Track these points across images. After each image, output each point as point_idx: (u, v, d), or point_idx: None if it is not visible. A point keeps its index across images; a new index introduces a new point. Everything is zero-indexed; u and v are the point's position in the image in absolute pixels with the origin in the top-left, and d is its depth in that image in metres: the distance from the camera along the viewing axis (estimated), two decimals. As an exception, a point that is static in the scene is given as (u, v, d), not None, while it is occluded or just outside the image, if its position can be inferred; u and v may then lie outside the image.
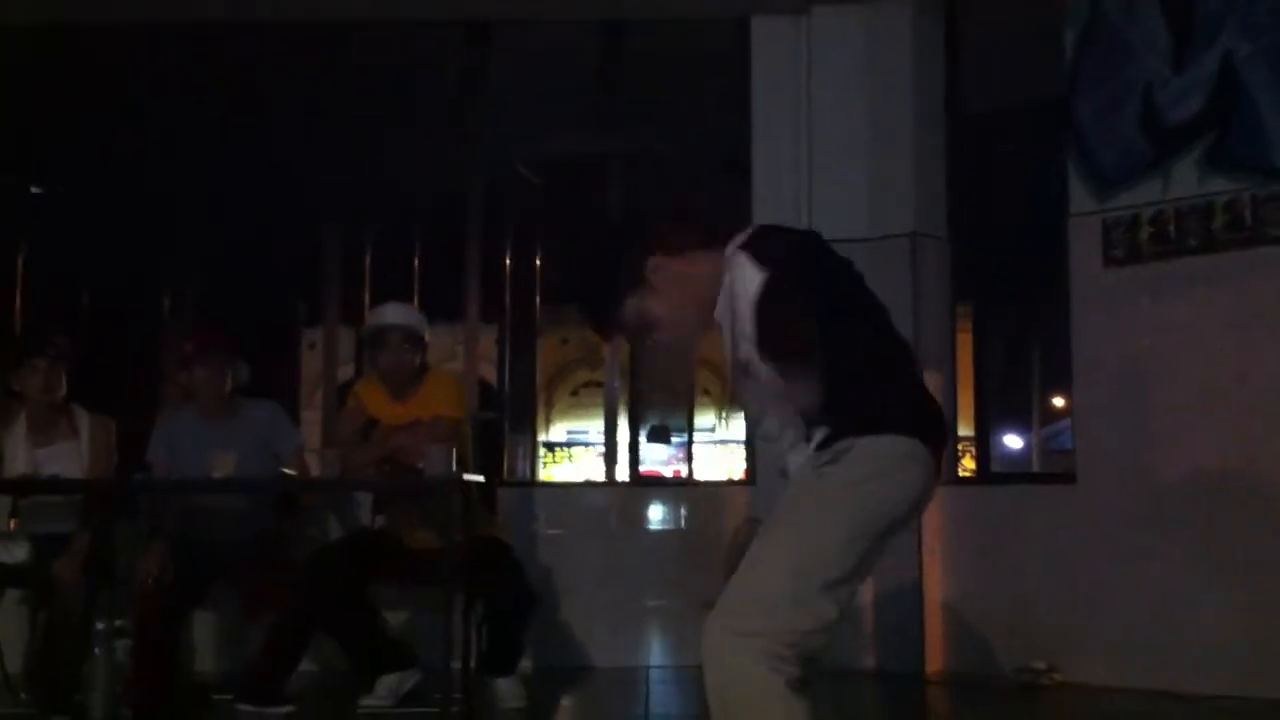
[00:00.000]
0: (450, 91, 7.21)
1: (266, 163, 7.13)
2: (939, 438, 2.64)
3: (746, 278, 2.55)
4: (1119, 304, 5.56)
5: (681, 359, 2.90)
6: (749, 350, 2.58)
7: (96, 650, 4.71)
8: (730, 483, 7.60)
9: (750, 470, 6.62)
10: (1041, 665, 5.52)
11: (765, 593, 2.45)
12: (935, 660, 5.97)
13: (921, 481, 2.60)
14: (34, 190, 7.11)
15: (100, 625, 4.74)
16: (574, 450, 21.55)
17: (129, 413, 5.71)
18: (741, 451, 7.62)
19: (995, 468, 6.76)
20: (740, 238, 2.64)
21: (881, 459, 2.53)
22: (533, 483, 7.54)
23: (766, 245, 2.60)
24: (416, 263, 7.41)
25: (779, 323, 2.50)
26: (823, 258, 2.66)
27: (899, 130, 6.21)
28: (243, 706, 4.94)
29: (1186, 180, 5.40)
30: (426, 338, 5.36)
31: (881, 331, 2.67)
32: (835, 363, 2.51)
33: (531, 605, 5.19)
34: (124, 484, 5.27)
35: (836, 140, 6.24)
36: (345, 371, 7.30)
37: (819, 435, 2.57)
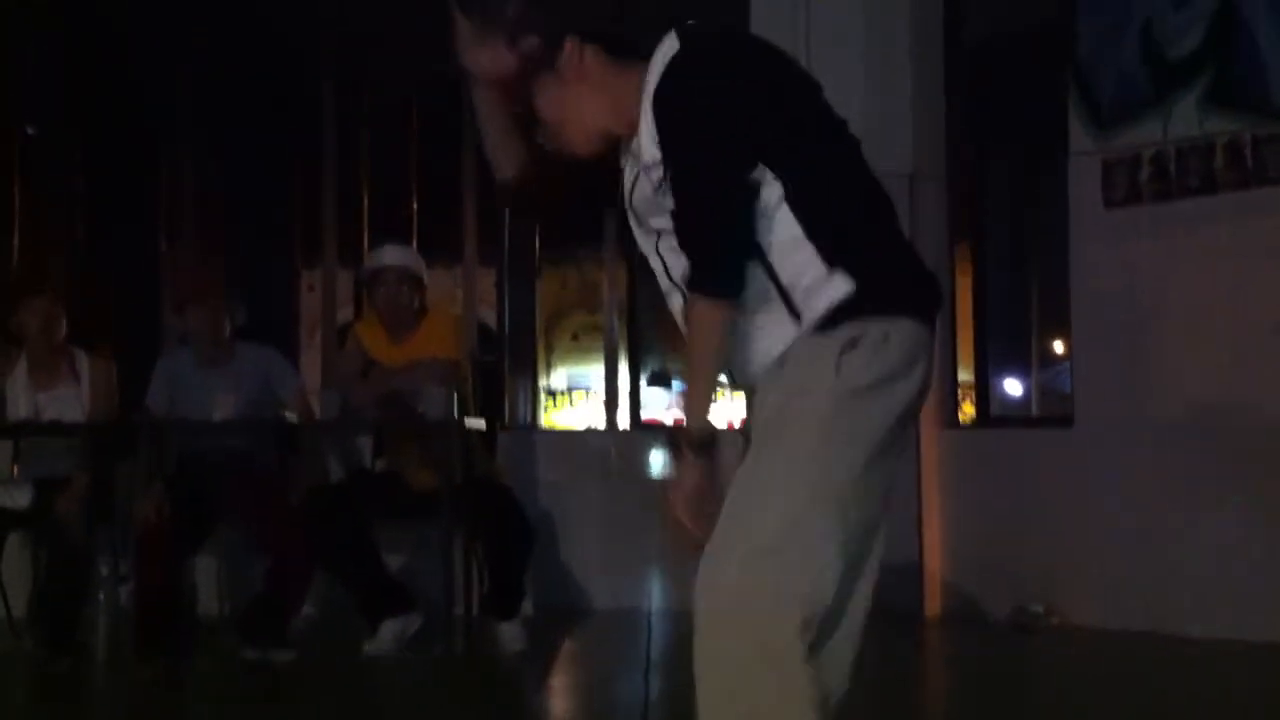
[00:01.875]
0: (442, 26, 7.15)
1: (261, 93, 7.09)
2: (937, 309, 2.22)
3: (659, 55, 2.13)
4: (1118, 245, 5.54)
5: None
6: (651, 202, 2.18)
7: (99, 593, 4.74)
8: (730, 429, 7.59)
9: (747, 420, 6.60)
10: (1039, 607, 5.55)
11: (780, 537, 2.03)
12: (933, 601, 6.00)
13: (927, 376, 2.16)
14: (29, 131, 7.07)
15: (103, 569, 4.77)
16: (574, 395, 21.57)
17: (129, 353, 5.71)
18: (742, 397, 7.61)
19: (994, 411, 6.76)
20: (659, 61, 2.12)
21: (901, 350, 2.09)
22: (534, 428, 7.55)
23: (701, 29, 2.16)
24: (414, 204, 7.39)
25: (695, 203, 2.09)
26: (778, 87, 2.18)
27: (896, 68, 6.15)
28: (246, 649, 4.97)
29: (1187, 119, 5.35)
30: (425, 279, 5.35)
31: (868, 177, 2.22)
32: (820, 212, 2.10)
33: (531, 545, 5.20)
34: (124, 426, 5.27)
35: (833, 77, 6.11)
36: (345, 313, 7.30)
37: (823, 305, 2.08)
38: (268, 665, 4.87)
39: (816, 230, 2.10)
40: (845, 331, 2.08)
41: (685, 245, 2.13)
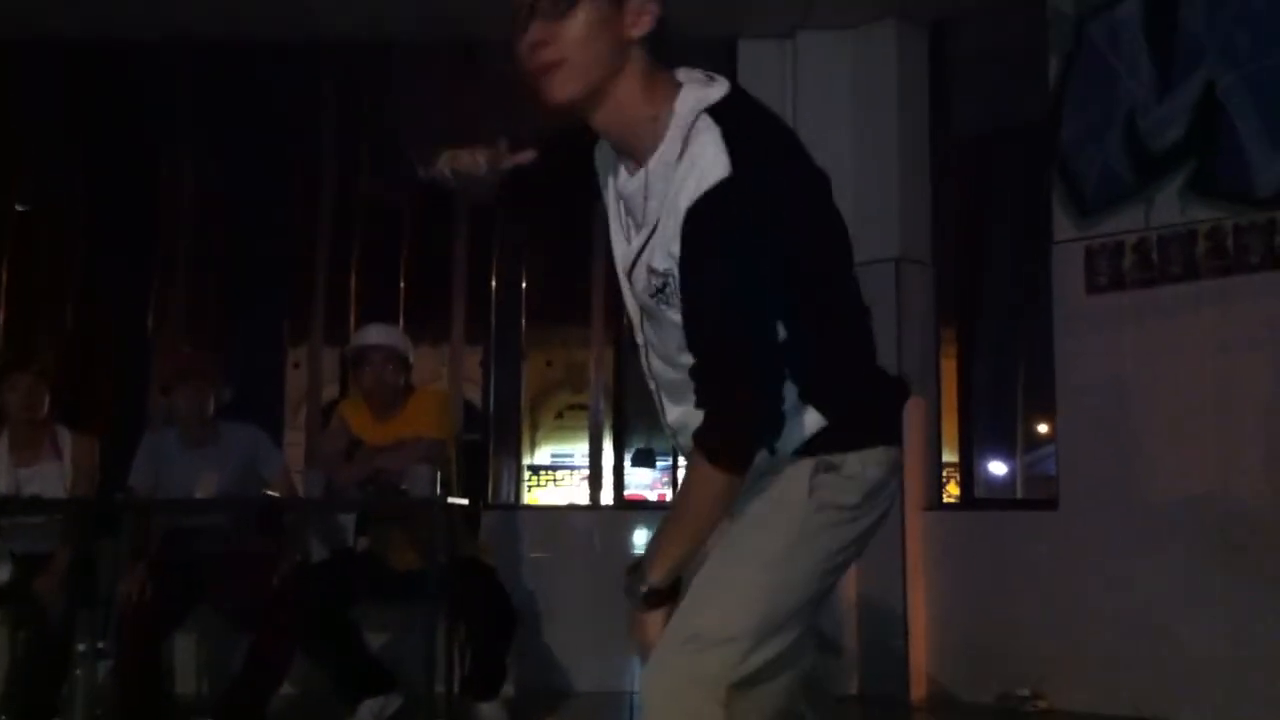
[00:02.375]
0: (438, 113, 7.22)
1: (250, 180, 7.14)
2: (902, 409, 2.26)
3: (704, 157, 1.91)
4: (1102, 330, 5.59)
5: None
6: (650, 278, 2.03)
7: (77, 671, 4.69)
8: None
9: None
10: (1026, 691, 5.52)
11: (732, 625, 2.05)
12: (919, 686, 5.96)
13: (894, 497, 2.19)
14: (19, 208, 7.09)
15: (81, 646, 4.72)
16: (559, 473, 21.52)
17: (113, 432, 5.68)
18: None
19: (979, 493, 6.77)
20: (713, 89, 1.99)
21: (873, 480, 2.12)
22: (517, 505, 7.52)
23: (750, 133, 1.97)
24: (402, 283, 7.41)
25: (722, 281, 1.91)
26: (815, 193, 2.09)
27: (884, 155, 6.24)
28: (224, 728, 4.93)
29: (1169, 208, 5.43)
30: (411, 358, 5.36)
31: (853, 295, 2.20)
32: (812, 344, 2.05)
33: (514, 627, 5.17)
34: (106, 504, 5.24)
35: (822, 163, 6.25)
36: (330, 392, 7.29)
37: (797, 437, 2.07)
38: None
39: (795, 373, 2.04)
40: (822, 457, 2.10)
41: (703, 397, 2.00)
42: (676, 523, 2.07)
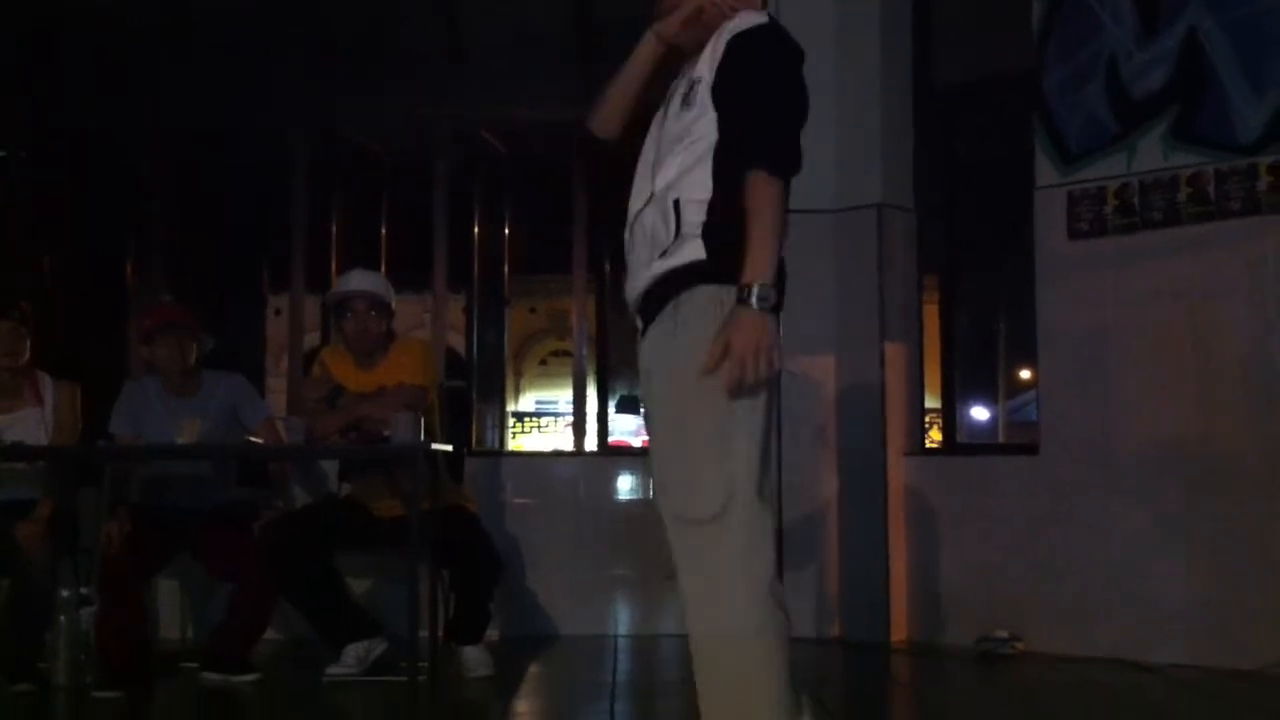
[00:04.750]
0: (418, 57, 7.18)
1: (232, 124, 7.09)
2: None
3: (741, 21, 2.60)
4: (1083, 276, 5.60)
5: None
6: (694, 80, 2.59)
7: (60, 618, 4.70)
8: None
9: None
10: (1004, 634, 5.57)
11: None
12: (899, 629, 6.01)
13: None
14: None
15: (64, 593, 4.73)
16: (543, 420, 21.58)
17: (95, 382, 5.67)
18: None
19: (961, 438, 6.81)
20: (748, 19, 2.63)
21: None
22: (501, 452, 7.54)
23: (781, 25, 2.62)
24: (383, 230, 7.39)
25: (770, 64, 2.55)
26: None
27: (866, 102, 6.21)
28: (208, 674, 4.95)
29: (1151, 154, 5.43)
30: (393, 305, 5.35)
31: None
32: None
33: (498, 573, 5.20)
34: (88, 451, 5.24)
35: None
36: (311, 339, 7.28)
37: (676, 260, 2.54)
38: (230, 689, 4.86)
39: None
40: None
41: (752, 132, 2.49)
42: (765, 231, 2.44)
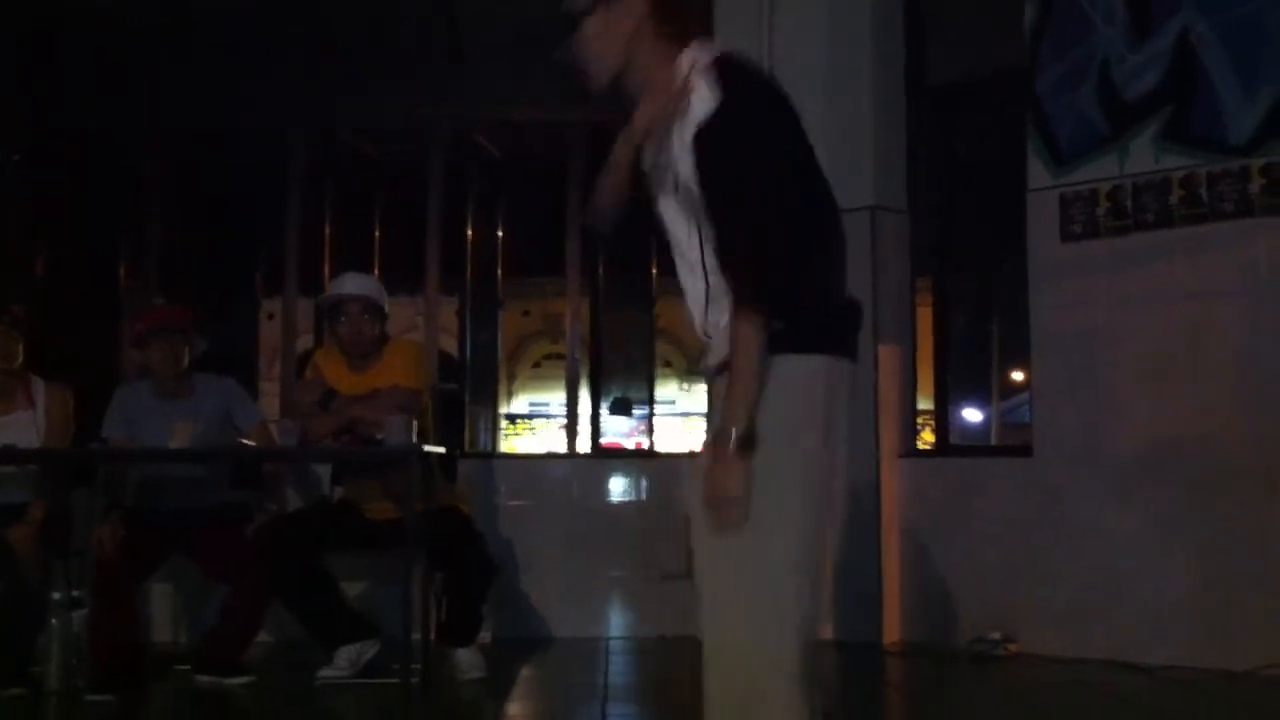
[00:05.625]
0: (417, 57, 7.17)
1: (224, 128, 7.08)
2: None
3: (700, 96, 2.39)
4: (1077, 278, 5.60)
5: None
6: (670, 195, 2.46)
7: (53, 620, 4.69)
8: (691, 454, 7.62)
9: (711, 443, 6.61)
10: (997, 635, 5.58)
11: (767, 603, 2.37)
12: (893, 630, 6.01)
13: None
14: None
15: (57, 595, 4.72)
16: (536, 422, 21.57)
17: (88, 386, 5.66)
18: (702, 423, 7.64)
19: (954, 440, 6.81)
20: (700, 99, 2.40)
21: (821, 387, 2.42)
22: (494, 454, 7.54)
23: (734, 77, 2.42)
24: (377, 233, 7.39)
25: (728, 164, 2.36)
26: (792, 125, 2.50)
27: (859, 103, 6.21)
28: (201, 677, 4.95)
29: (1144, 156, 5.44)
30: (386, 308, 5.34)
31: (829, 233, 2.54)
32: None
33: (491, 576, 5.20)
34: (81, 454, 5.23)
35: (797, 110, 6.24)
36: (304, 342, 7.27)
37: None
38: (223, 692, 4.86)
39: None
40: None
41: (730, 271, 2.38)
42: (740, 380, 2.35)
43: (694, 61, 2.46)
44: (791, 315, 2.37)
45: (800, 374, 2.39)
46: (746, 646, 2.38)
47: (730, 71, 2.44)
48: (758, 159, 2.40)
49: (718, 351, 2.45)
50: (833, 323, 2.49)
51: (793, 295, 2.38)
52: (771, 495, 2.34)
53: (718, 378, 2.46)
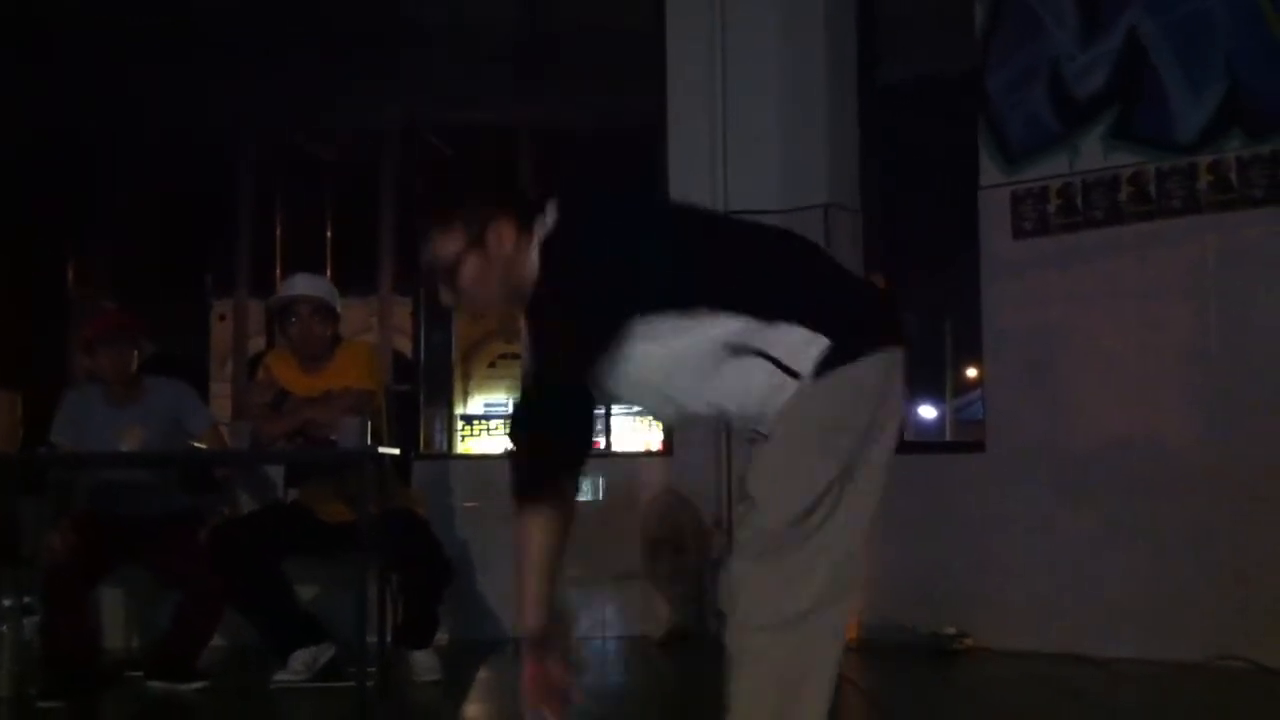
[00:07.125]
0: (364, 60, 7.14)
1: (175, 129, 7.02)
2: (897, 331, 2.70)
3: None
4: (1028, 275, 5.64)
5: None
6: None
7: (3, 628, 4.64)
8: (648, 454, 7.62)
9: (668, 443, 6.63)
10: (952, 630, 5.60)
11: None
12: (849, 626, 6.02)
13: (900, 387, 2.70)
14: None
15: (7, 602, 4.67)
16: (492, 423, 21.50)
17: (36, 391, 5.59)
18: (659, 423, 7.64)
19: (909, 436, 6.84)
20: (548, 225, 2.45)
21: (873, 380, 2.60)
22: (450, 455, 7.51)
23: (566, 244, 2.43)
24: (329, 233, 7.35)
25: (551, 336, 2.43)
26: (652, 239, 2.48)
27: (813, 102, 6.23)
28: (154, 683, 4.90)
29: (1093, 154, 5.49)
30: (338, 309, 5.31)
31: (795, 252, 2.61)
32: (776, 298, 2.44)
33: (447, 577, 5.17)
34: (28, 459, 5.17)
35: (750, 112, 6.26)
36: (256, 344, 7.22)
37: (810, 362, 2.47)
38: (177, 697, 4.82)
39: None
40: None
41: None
42: (516, 570, 2.46)
43: (537, 239, 2.46)
44: (832, 332, 2.44)
45: (851, 381, 2.50)
46: (798, 636, 2.54)
47: (560, 245, 2.42)
48: (579, 310, 2.40)
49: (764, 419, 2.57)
50: (864, 320, 2.57)
51: (825, 317, 2.44)
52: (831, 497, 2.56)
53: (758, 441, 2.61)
